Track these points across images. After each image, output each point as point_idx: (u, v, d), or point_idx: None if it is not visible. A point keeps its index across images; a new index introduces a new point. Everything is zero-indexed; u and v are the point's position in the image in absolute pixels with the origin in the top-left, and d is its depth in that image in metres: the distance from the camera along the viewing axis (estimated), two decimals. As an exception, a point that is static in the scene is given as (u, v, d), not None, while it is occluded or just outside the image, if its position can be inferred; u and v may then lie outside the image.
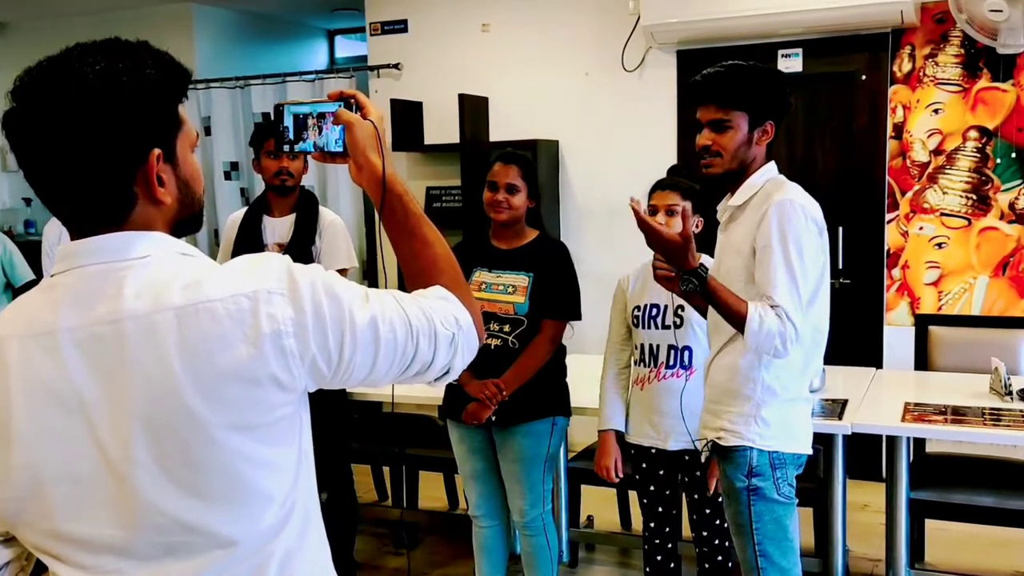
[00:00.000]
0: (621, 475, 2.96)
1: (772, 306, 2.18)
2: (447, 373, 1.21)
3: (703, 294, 2.25)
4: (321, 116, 1.29)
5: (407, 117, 5.43)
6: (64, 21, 6.43)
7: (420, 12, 5.51)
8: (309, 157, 1.35)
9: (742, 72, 2.34)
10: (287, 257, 1.11)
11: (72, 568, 1.08)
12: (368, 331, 1.10)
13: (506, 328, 2.99)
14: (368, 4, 5.65)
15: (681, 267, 2.24)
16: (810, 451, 2.41)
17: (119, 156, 1.05)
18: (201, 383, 1.02)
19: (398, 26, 5.57)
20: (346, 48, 7.42)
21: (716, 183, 2.44)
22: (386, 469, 4.48)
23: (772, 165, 2.38)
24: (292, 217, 3.38)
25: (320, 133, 1.30)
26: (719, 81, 2.33)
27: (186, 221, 1.14)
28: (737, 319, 2.20)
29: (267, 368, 1.04)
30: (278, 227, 3.39)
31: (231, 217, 3.60)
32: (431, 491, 4.40)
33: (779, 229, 2.21)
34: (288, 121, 1.30)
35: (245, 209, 3.52)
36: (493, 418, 2.97)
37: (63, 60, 1.06)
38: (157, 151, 1.07)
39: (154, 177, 1.07)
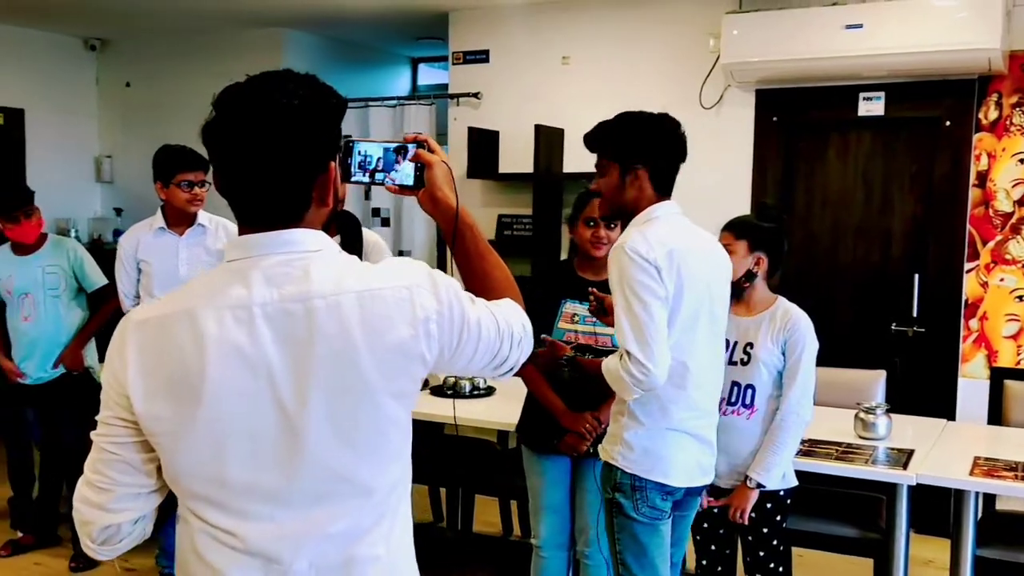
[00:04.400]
0: (705, 506, 2.90)
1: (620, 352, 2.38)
2: (512, 369, 1.42)
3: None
4: (400, 150, 1.47)
5: (483, 145, 5.51)
6: (159, 40, 6.70)
7: (502, 43, 5.60)
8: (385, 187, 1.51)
9: (613, 123, 2.52)
10: (424, 263, 1.34)
11: (230, 514, 1.25)
12: (476, 328, 1.33)
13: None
14: (452, 34, 5.77)
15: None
16: (679, 484, 2.49)
17: (309, 166, 1.27)
18: (375, 354, 1.23)
19: (480, 56, 5.67)
20: (429, 76, 7.56)
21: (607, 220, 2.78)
22: (443, 491, 4.51)
23: (660, 206, 2.48)
24: (336, 239, 3.48)
25: (392, 169, 1.48)
26: (594, 132, 2.56)
27: (329, 222, 1.38)
28: (600, 378, 2.48)
29: (419, 347, 1.26)
30: None
31: None
32: (485, 515, 4.41)
33: (616, 277, 2.39)
34: (369, 153, 1.46)
35: None
36: (591, 449, 2.93)
37: (268, 88, 1.25)
38: (333, 163, 1.31)
39: (332, 184, 1.30)
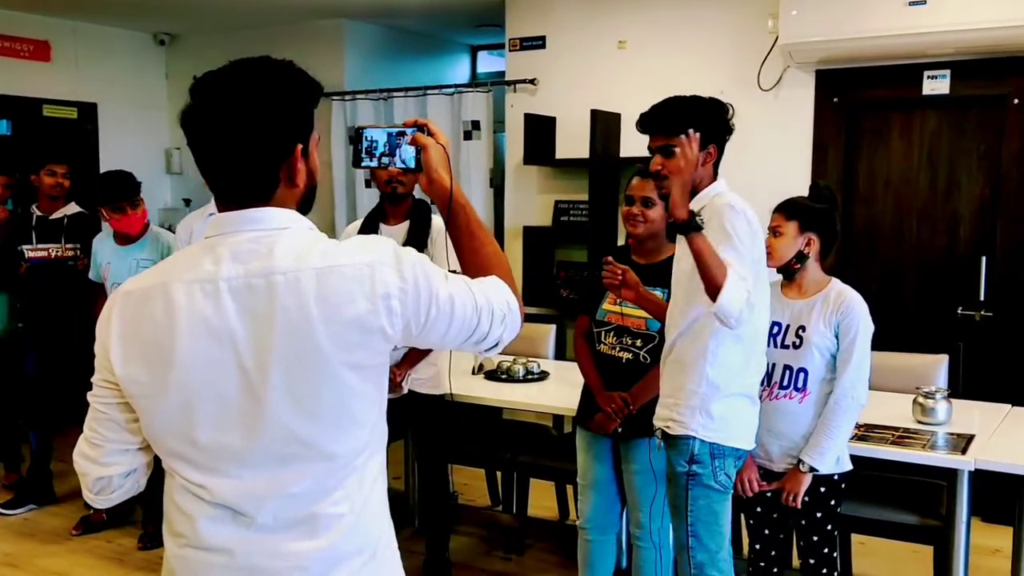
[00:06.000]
0: (756, 489, 2.88)
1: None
2: (496, 345, 1.46)
3: (694, 243, 2.41)
4: (401, 134, 1.56)
5: (539, 131, 5.51)
6: (226, 34, 6.85)
7: (558, 29, 5.60)
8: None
9: (682, 103, 2.59)
10: (392, 240, 1.40)
11: (201, 471, 1.35)
12: (447, 304, 1.37)
13: (638, 343, 3.03)
14: (508, 21, 5.78)
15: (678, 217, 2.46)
16: (749, 447, 2.65)
17: (274, 148, 1.34)
18: (331, 327, 1.29)
19: (536, 42, 5.68)
20: (488, 63, 7.59)
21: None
22: (499, 474, 4.54)
23: (721, 182, 2.62)
24: (406, 224, 3.54)
25: (396, 152, 1.57)
26: (663, 112, 2.59)
27: (306, 202, 1.43)
28: (717, 275, 2.38)
29: (378, 321, 1.31)
30: (394, 234, 3.54)
31: (349, 226, 3.80)
32: (542, 500, 4.44)
33: (729, 225, 2.47)
34: (375, 139, 1.56)
35: (362, 219, 3.70)
36: (619, 429, 3.02)
37: (238, 73, 1.34)
38: (300, 145, 1.37)
39: (297, 165, 1.36)
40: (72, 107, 6.68)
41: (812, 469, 2.77)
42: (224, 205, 1.37)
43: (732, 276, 2.39)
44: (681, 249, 2.65)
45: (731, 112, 2.63)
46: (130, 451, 1.44)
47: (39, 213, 4.64)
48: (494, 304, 1.42)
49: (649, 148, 2.64)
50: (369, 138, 1.56)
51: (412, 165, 1.57)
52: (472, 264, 1.52)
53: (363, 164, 1.58)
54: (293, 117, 1.35)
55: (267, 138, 1.33)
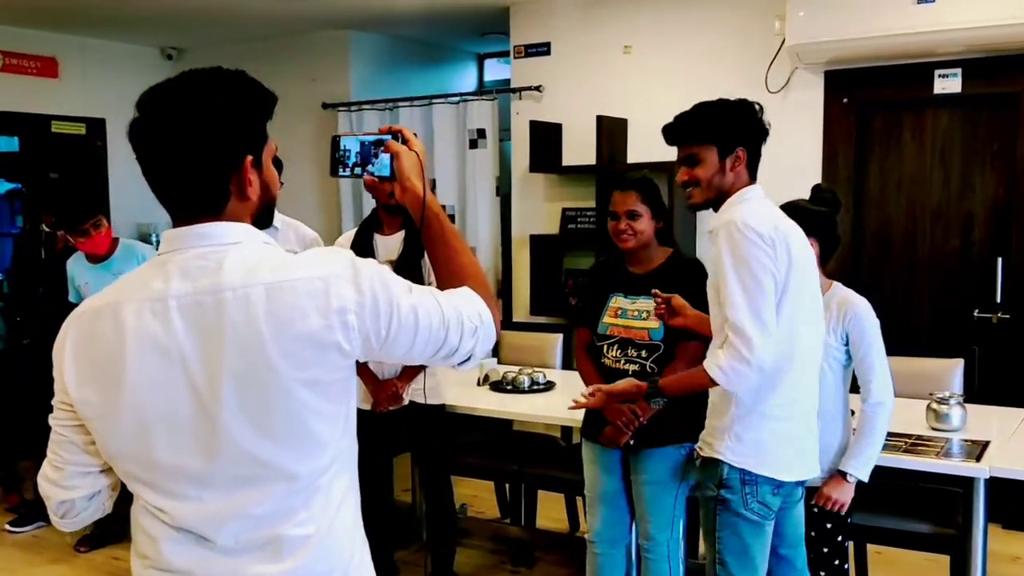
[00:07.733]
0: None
1: (727, 337, 2.30)
2: (469, 359, 1.41)
3: (670, 400, 2.54)
4: (377, 143, 1.52)
5: (546, 139, 5.47)
6: (232, 47, 6.84)
7: (563, 35, 5.55)
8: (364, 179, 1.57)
9: (703, 109, 2.48)
10: (351, 251, 1.35)
11: (160, 494, 1.31)
12: (410, 316, 1.32)
13: (643, 354, 2.96)
14: (513, 28, 5.75)
15: (639, 398, 2.59)
16: (791, 478, 2.44)
17: (221, 160, 1.30)
18: (282, 344, 1.25)
19: (541, 49, 5.63)
20: (495, 71, 7.55)
21: (698, 210, 2.57)
22: (508, 486, 4.49)
23: (751, 189, 2.46)
24: (401, 234, 3.49)
25: (372, 161, 1.53)
26: (684, 121, 2.49)
27: (262, 215, 1.38)
28: (705, 386, 2.41)
29: (333, 336, 1.27)
30: (389, 244, 3.50)
31: (343, 236, 3.76)
32: (552, 512, 4.38)
33: (727, 253, 2.32)
34: (349, 147, 1.52)
35: (356, 229, 3.66)
36: (631, 441, 2.95)
37: (183, 85, 1.30)
38: (250, 157, 1.32)
39: (247, 177, 1.32)
40: (80, 123, 6.69)
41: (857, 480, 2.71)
42: (175, 220, 1.34)
43: (713, 371, 2.31)
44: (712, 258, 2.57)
45: (760, 111, 2.50)
46: (91, 473, 1.41)
47: (48, 230, 4.71)
48: (464, 316, 1.37)
49: (677, 159, 2.54)
50: (344, 147, 1.52)
51: (386, 173, 1.53)
52: (445, 274, 1.48)
53: (339, 174, 1.54)
54: (241, 127, 1.31)
55: (212, 149, 1.28)
